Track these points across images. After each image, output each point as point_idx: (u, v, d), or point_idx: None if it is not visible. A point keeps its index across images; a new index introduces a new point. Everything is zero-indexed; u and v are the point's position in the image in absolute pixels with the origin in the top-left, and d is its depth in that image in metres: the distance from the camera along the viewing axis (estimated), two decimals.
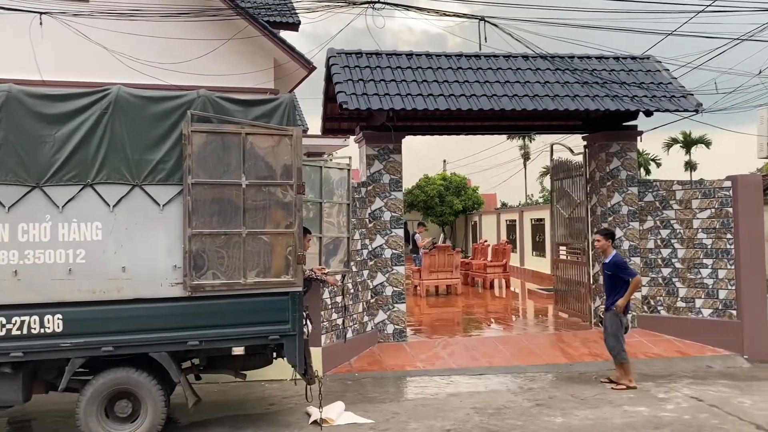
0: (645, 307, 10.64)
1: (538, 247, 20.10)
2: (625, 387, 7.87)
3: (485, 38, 9.31)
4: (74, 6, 10.00)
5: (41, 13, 8.90)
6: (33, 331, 5.50)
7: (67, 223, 5.62)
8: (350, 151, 16.99)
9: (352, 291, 9.36)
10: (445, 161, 42.56)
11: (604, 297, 9.31)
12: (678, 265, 10.46)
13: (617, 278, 8.11)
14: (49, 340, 5.53)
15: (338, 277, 8.67)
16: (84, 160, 5.69)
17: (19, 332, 5.47)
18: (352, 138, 12.50)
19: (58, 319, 5.55)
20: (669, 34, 11.85)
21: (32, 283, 5.51)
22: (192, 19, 9.83)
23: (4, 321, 5.45)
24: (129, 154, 5.79)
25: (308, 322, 6.48)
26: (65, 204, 5.62)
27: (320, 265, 7.89)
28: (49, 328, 5.53)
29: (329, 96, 10.63)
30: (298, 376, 6.57)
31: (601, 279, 10.82)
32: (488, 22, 9.24)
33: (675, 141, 41.45)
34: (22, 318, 5.48)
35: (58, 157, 5.63)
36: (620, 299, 8.01)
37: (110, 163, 5.74)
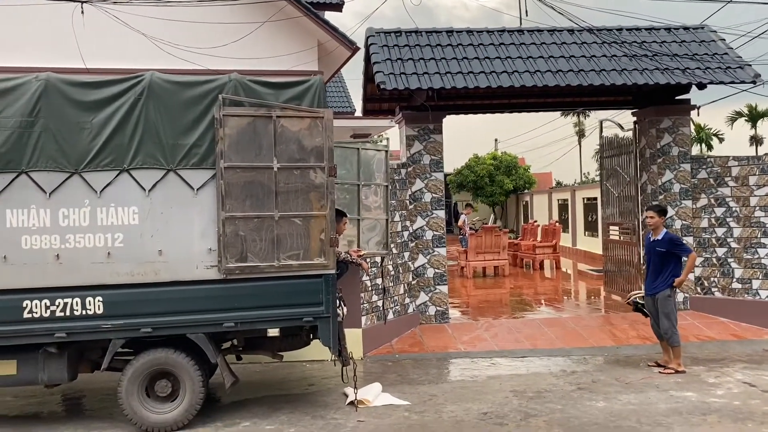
0: (698, 289, 10.23)
1: (591, 227, 19.59)
2: (673, 371, 7.59)
3: (527, 13, 9.01)
4: None
5: (82, 2, 9.10)
6: (75, 312, 5.68)
7: (105, 207, 5.75)
8: (394, 132, 16.91)
9: (392, 273, 9.33)
10: (496, 140, 41.92)
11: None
12: (734, 244, 10.00)
13: (670, 256, 7.72)
14: (91, 321, 5.71)
15: (377, 259, 8.65)
16: (120, 145, 5.80)
17: (62, 314, 5.66)
18: (393, 119, 12.39)
19: (99, 301, 5.72)
20: (727, 2, 11.25)
21: (73, 267, 5.68)
22: (231, 3, 9.87)
23: (48, 303, 5.64)
24: (163, 138, 5.87)
25: (342, 304, 6.48)
26: (103, 189, 5.75)
27: (358, 247, 7.88)
28: (90, 309, 5.70)
29: (369, 76, 10.54)
30: (335, 358, 6.60)
31: None
32: None
33: (740, 114, 39.58)
34: (65, 300, 5.66)
35: (95, 143, 5.76)
36: (680, 276, 7.67)
37: (145, 148, 5.83)
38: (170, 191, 5.86)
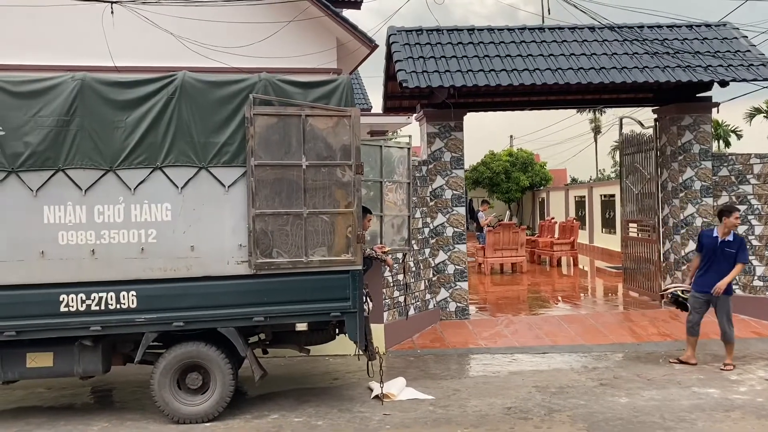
0: None
1: (608, 224, 19.58)
2: (732, 367, 7.63)
3: (548, 10, 9.04)
4: None
5: (112, 2, 9.27)
6: (110, 306, 5.83)
7: (138, 204, 5.89)
8: (413, 129, 16.97)
9: (413, 269, 9.43)
10: (512, 137, 41.90)
11: (676, 275, 9.09)
12: (755, 242, 10.00)
13: (734, 258, 7.66)
14: (125, 315, 5.87)
15: (399, 255, 8.75)
16: (153, 143, 5.93)
17: (97, 308, 5.82)
18: (413, 116, 12.48)
19: (133, 295, 5.87)
20: None
21: (108, 262, 5.83)
22: (255, 3, 10.01)
23: (84, 297, 5.80)
24: (195, 137, 5.99)
25: (368, 299, 6.59)
26: (137, 186, 5.89)
27: (381, 243, 7.98)
28: (124, 304, 5.86)
29: (390, 74, 10.63)
30: (361, 352, 6.72)
31: (671, 257, 10.52)
32: None
33: (758, 111, 39.16)
34: (100, 294, 5.82)
35: (129, 141, 5.90)
36: (724, 280, 7.60)
37: (178, 146, 5.96)
38: (202, 188, 5.99)
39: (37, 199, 5.76)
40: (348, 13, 15.51)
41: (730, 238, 7.73)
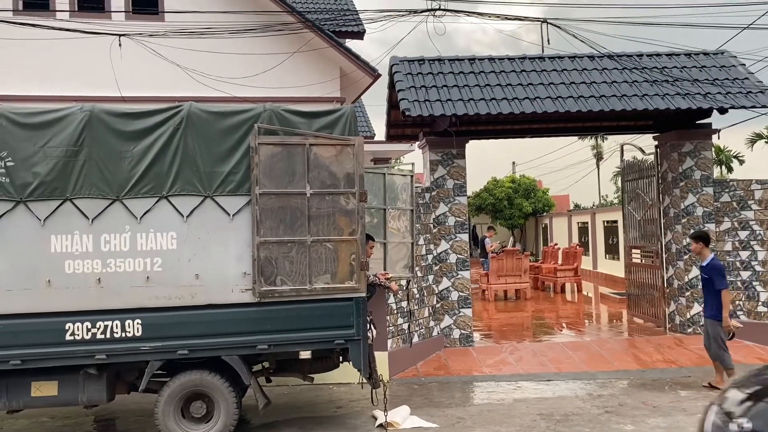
0: None
1: (612, 250, 19.57)
2: (709, 386, 7.82)
3: (548, 40, 9.19)
4: (150, 26, 10.58)
5: (120, 35, 9.46)
6: (115, 335, 5.86)
7: (144, 233, 5.96)
8: (416, 156, 17.11)
9: (417, 296, 9.45)
10: (514, 163, 42.05)
11: (680, 301, 9.17)
12: (758, 268, 10.00)
13: (710, 283, 7.80)
14: (130, 343, 5.89)
15: (402, 282, 8.78)
16: (159, 173, 6.02)
17: (102, 336, 5.85)
18: (416, 144, 12.60)
19: (138, 323, 5.90)
20: (745, 28, 11.36)
21: (114, 290, 5.87)
22: (260, 35, 10.20)
23: (89, 325, 5.83)
24: (201, 166, 6.08)
25: (372, 327, 6.61)
26: (143, 215, 5.96)
27: (384, 270, 8.01)
28: (129, 332, 5.88)
29: (393, 103, 10.77)
30: (365, 380, 6.71)
31: (675, 283, 10.52)
32: (551, 23, 9.14)
33: (759, 136, 39.33)
34: (106, 323, 5.85)
35: (135, 171, 5.98)
36: (722, 316, 7.68)
37: (183, 175, 6.05)
38: (207, 217, 6.05)
39: (45, 228, 5.83)
40: (351, 44, 15.74)
41: (705, 263, 7.95)
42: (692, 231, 10.12)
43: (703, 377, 8.39)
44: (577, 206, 39.57)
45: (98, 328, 5.84)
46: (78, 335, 5.82)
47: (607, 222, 20.11)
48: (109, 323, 5.86)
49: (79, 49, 10.23)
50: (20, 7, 11.31)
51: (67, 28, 9.77)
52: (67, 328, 5.81)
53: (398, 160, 22.85)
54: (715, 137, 10.68)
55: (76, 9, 11.32)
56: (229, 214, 6.08)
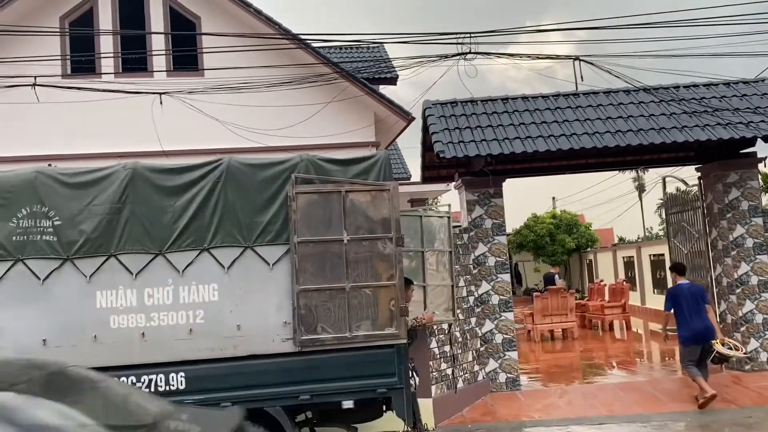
0: None
1: (660, 284, 19.00)
2: (705, 399, 8.39)
3: (581, 77, 9.17)
4: (190, 82, 10.94)
5: (161, 94, 9.81)
6: (159, 389, 5.89)
7: (187, 286, 6.03)
8: (452, 196, 17.05)
9: (460, 339, 9.29)
10: (554, 198, 41.59)
11: (735, 336, 9.44)
12: None
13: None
14: (174, 397, 5.88)
15: (444, 326, 8.65)
16: (201, 226, 6.12)
17: (147, 390, 5.88)
18: (453, 184, 12.59)
19: (181, 376, 5.93)
20: None
21: (158, 344, 5.93)
22: (296, 87, 10.44)
23: (134, 380, 5.88)
24: (241, 218, 6.17)
25: (414, 373, 6.51)
26: (185, 268, 6.05)
27: (424, 312, 7.92)
28: (173, 385, 5.91)
29: (427, 145, 10.82)
30: (410, 429, 6.57)
31: (728, 318, 10.14)
32: (583, 60, 9.12)
33: None
34: (150, 377, 5.90)
35: (177, 225, 6.10)
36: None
37: (224, 227, 6.14)
38: (248, 267, 6.11)
39: (91, 284, 5.96)
40: (385, 89, 16.01)
41: None
42: (742, 263, 9.84)
43: (766, 417, 7.98)
44: (621, 240, 38.75)
45: (143, 383, 5.88)
46: None
47: (654, 255, 19.59)
48: (153, 377, 5.90)
49: (122, 107, 10.62)
50: (69, 71, 11.87)
51: (112, 89, 10.19)
52: None
53: (435, 201, 22.86)
54: (761, 166, 10.39)
55: (121, 71, 11.81)
56: (268, 264, 6.13)
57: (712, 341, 8.65)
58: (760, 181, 10.53)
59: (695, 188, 10.89)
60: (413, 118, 12.57)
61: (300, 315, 6.01)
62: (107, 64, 11.75)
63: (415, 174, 18.36)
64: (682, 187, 11.32)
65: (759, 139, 9.71)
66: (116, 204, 6.07)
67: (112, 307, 5.95)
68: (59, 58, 11.32)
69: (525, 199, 35.53)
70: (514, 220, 29.11)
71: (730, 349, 8.82)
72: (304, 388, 6.03)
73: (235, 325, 6.00)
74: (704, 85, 10.67)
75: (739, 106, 9.99)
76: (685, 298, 8.86)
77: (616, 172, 38.61)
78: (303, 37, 11.10)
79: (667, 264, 13.31)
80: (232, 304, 6.04)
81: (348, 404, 6.22)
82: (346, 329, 6.08)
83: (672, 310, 9.02)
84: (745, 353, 9.15)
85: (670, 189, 11.80)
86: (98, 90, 10.06)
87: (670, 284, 9.74)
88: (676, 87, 10.57)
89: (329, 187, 6.25)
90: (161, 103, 9.81)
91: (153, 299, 5.99)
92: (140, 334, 5.93)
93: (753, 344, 9.80)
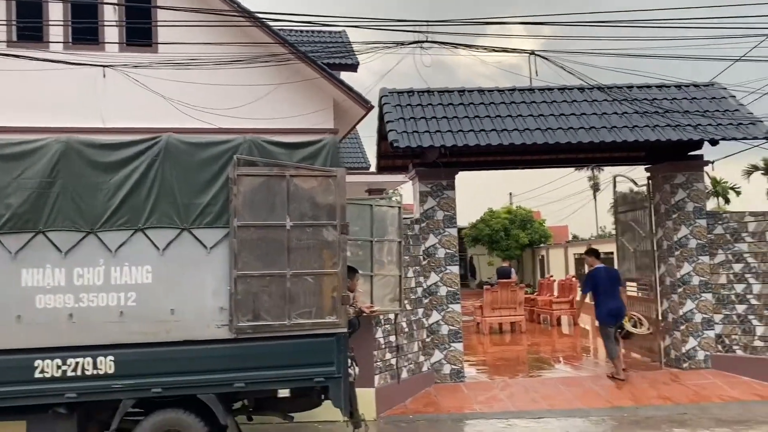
0: (719, 347, 9.99)
1: None
2: (620, 380, 9.43)
3: (536, 72, 9.16)
4: (143, 58, 10.53)
5: (104, 66, 9.41)
6: (86, 372, 5.66)
7: (119, 266, 5.79)
8: (410, 187, 17.01)
9: (406, 330, 9.24)
10: (511, 194, 42.06)
11: (674, 334, 9.63)
12: (754, 301, 9.81)
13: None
14: (102, 381, 5.68)
15: (390, 316, 8.57)
16: (136, 205, 5.88)
17: (73, 374, 5.64)
18: (407, 175, 12.50)
19: (110, 360, 5.70)
20: (736, 60, 11.34)
21: (86, 326, 5.68)
22: (246, 66, 10.15)
23: (60, 363, 5.63)
24: (178, 198, 5.95)
25: (354, 363, 6.41)
26: (118, 248, 5.80)
27: (370, 303, 7.83)
28: (101, 369, 5.68)
29: (382, 134, 10.68)
30: (347, 419, 6.48)
31: (670, 316, 10.33)
32: (538, 55, 9.11)
33: (755, 168, 39.41)
34: (77, 360, 5.65)
35: (111, 203, 5.84)
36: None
37: (160, 207, 5.91)
38: (184, 250, 5.90)
39: (16, 261, 5.67)
40: (347, 76, 15.77)
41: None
42: (684, 264, 10.03)
43: (700, 414, 8.17)
44: (575, 237, 39.42)
45: (69, 366, 5.65)
46: (48, 373, 5.62)
47: (604, 254, 19.91)
48: (81, 360, 5.66)
49: (68, 81, 10.15)
50: (14, 38, 11.29)
51: (59, 60, 9.71)
52: (36, 365, 5.61)
53: (394, 192, 22.78)
54: (709, 169, 10.59)
55: (71, 41, 11.29)
56: (206, 247, 5.94)
57: (623, 319, 9.74)
58: (708, 183, 10.75)
59: (644, 188, 11.04)
60: (372, 107, 12.39)
61: (237, 301, 5.84)
62: (56, 33, 11.18)
63: (375, 164, 18.23)
64: (635, 188, 11.46)
65: (706, 143, 9.89)
66: (47, 178, 5.78)
67: (38, 286, 5.68)
68: (5, 23, 10.76)
69: (482, 193, 35.80)
70: (470, 214, 29.22)
71: (635, 326, 9.93)
72: (239, 376, 5.88)
73: (168, 309, 5.80)
74: (657, 86, 10.81)
75: (689, 108, 10.15)
76: (602, 280, 9.80)
77: (571, 169, 39.27)
78: (260, 15, 10.77)
79: (616, 263, 13.54)
80: (166, 287, 5.83)
81: (284, 393, 6.11)
82: (285, 317, 5.94)
83: (589, 293, 9.93)
84: (649, 330, 10.16)
85: (622, 188, 11.94)
86: (45, 60, 9.58)
87: (587, 269, 10.60)
88: (630, 87, 10.67)
89: (273, 171, 6.08)
90: (104, 75, 9.40)
91: (83, 279, 5.73)
92: (68, 315, 5.67)
93: (691, 343, 10.01)
